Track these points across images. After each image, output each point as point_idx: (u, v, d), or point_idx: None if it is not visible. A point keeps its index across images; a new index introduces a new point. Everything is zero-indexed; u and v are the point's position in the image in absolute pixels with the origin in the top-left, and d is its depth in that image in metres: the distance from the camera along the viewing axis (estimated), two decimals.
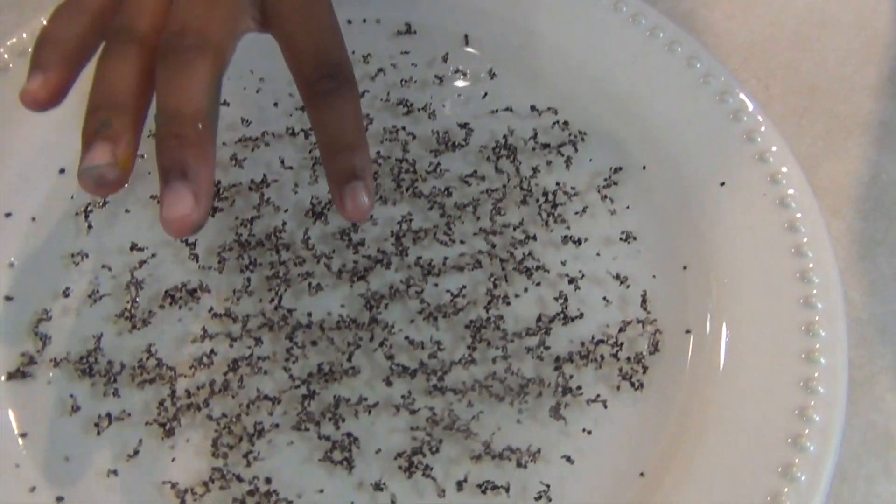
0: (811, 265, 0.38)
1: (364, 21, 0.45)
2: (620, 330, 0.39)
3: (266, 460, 0.37)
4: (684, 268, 0.40)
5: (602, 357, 0.39)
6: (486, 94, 0.44)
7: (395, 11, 0.45)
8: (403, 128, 0.44)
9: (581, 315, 0.40)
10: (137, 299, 0.40)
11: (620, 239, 0.41)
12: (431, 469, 0.37)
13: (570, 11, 0.44)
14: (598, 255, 0.41)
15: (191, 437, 0.38)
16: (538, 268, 0.41)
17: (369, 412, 0.38)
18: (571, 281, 0.40)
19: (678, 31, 0.43)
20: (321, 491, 0.37)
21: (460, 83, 0.45)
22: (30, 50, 0.43)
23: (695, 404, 0.37)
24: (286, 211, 0.42)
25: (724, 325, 0.38)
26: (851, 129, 0.44)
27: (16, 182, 0.42)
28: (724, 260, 0.39)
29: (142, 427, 0.38)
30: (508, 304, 0.40)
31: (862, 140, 0.44)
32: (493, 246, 0.41)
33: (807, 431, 0.35)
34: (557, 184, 0.42)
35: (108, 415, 0.38)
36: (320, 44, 0.34)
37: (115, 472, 0.37)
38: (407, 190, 0.42)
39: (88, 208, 0.42)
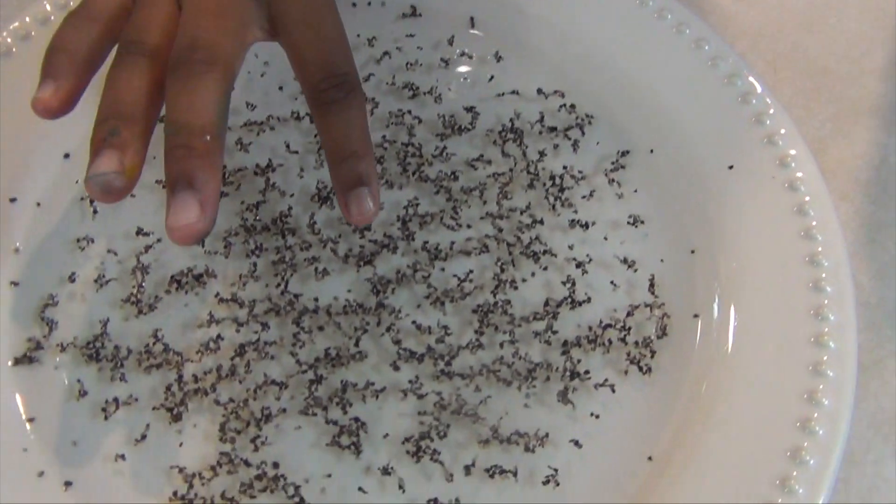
0: (820, 248, 0.38)
1: (369, 4, 0.45)
2: (628, 314, 0.39)
3: (274, 445, 0.37)
4: (692, 251, 0.40)
5: (610, 341, 0.39)
6: (492, 77, 0.44)
7: None
8: (409, 111, 0.43)
9: (589, 299, 0.39)
10: (144, 284, 0.40)
11: (628, 223, 0.41)
12: (439, 454, 0.37)
13: None
14: (605, 238, 0.41)
15: (198, 421, 0.38)
16: (545, 252, 0.40)
17: (377, 397, 0.38)
18: (579, 265, 0.40)
19: (686, 13, 0.43)
20: (329, 475, 0.37)
21: (466, 66, 0.44)
22: (32, 33, 0.43)
23: (703, 388, 0.37)
24: (292, 195, 0.42)
25: (732, 308, 0.38)
26: (860, 113, 0.44)
27: (20, 167, 0.41)
28: (733, 243, 0.39)
29: (149, 412, 0.38)
30: (516, 288, 0.40)
31: (871, 123, 0.44)
32: (500, 230, 0.41)
33: (815, 415, 0.35)
34: (564, 167, 0.42)
35: (116, 400, 0.38)
36: (327, 53, 0.35)
37: (122, 457, 0.37)
38: (413, 174, 0.42)
39: None
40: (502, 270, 0.40)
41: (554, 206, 0.41)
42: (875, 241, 0.41)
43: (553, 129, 0.43)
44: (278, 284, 0.40)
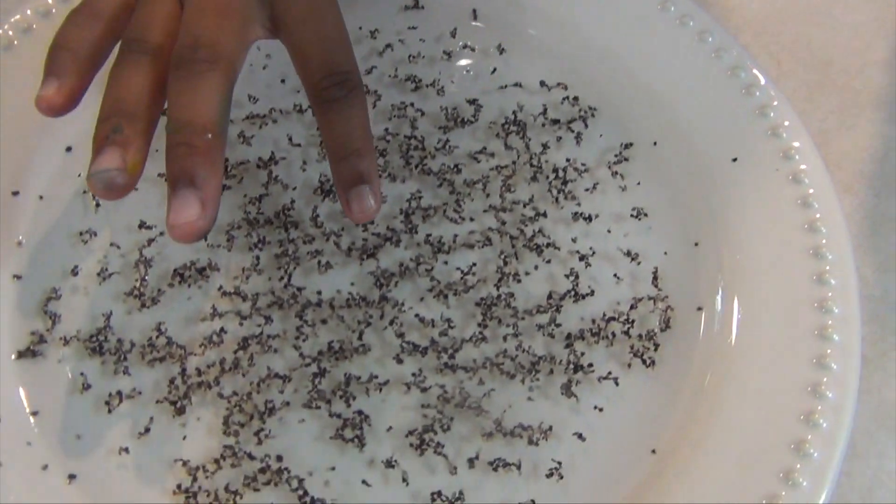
0: (824, 241, 0.38)
1: None
2: (632, 307, 0.39)
3: (277, 438, 0.37)
4: (696, 244, 0.40)
5: (613, 334, 0.39)
6: (494, 69, 0.44)
7: None
8: (412, 104, 0.43)
9: (592, 292, 0.39)
10: (146, 277, 0.40)
11: (631, 215, 0.41)
12: (443, 447, 0.37)
13: None
14: (608, 231, 0.41)
15: (202, 415, 0.38)
16: (549, 245, 0.40)
17: (380, 390, 0.38)
18: (582, 258, 0.40)
19: (690, 4, 0.43)
20: (332, 468, 0.37)
21: (469, 59, 0.44)
22: (34, 26, 0.43)
23: (706, 381, 0.37)
24: (295, 189, 0.42)
25: (735, 301, 0.38)
26: (864, 105, 0.44)
27: (22, 160, 0.41)
28: (736, 236, 0.39)
29: (153, 405, 0.38)
30: (519, 281, 0.40)
31: (875, 115, 0.44)
32: (504, 223, 0.41)
33: (819, 408, 0.35)
34: (568, 160, 0.42)
35: (119, 393, 0.38)
36: (329, 52, 0.35)
37: (126, 450, 0.37)
38: (416, 167, 0.42)
39: None
40: (505, 263, 0.40)
41: (557, 199, 0.41)
42: (879, 234, 0.41)
43: (556, 121, 0.43)
44: (281, 278, 0.40)
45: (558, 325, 0.39)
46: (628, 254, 0.40)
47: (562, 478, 0.36)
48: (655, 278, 0.40)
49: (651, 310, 0.39)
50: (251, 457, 0.37)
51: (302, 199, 0.42)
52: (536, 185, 0.42)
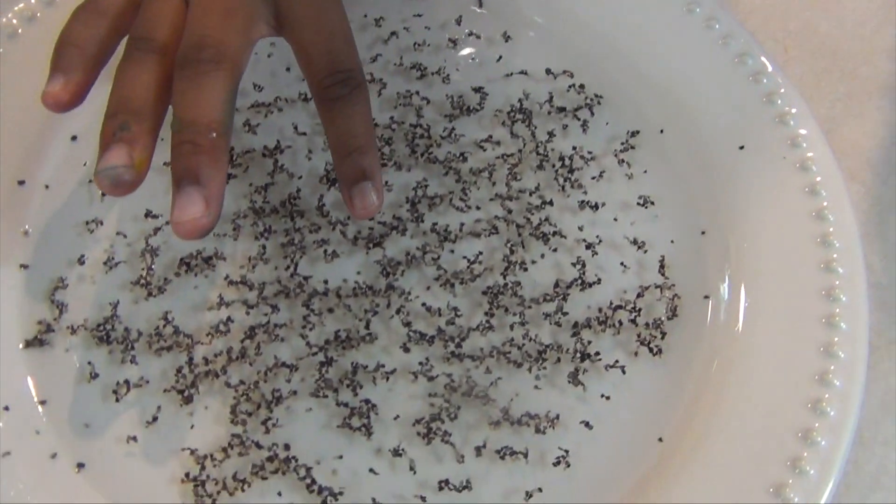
0: (831, 229, 0.38)
1: None
2: (638, 295, 0.39)
3: (284, 427, 0.37)
4: (703, 232, 0.40)
5: (620, 323, 0.39)
6: (500, 57, 0.44)
7: None
8: (417, 92, 0.43)
9: (599, 281, 0.39)
10: (153, 266, 0.40)
11: (638, 204, 0.41)
12: (450, 435, 0.37)
13: None
14: (615, 220, 0.41)
15: (209, 403, 0.38)
16: (555, 233, 0.40)
17: (387, 379, 0.38)
18: (589, 246, 0.40)
19: None
20: (340, 457, 0.37)
21: (474, 47, 0.44)
22: (38, 15, 0.43)
23: (713, 370, 0.37)
24: (300, 177, 0.42)
25: (742, 289, 0.38)
26: (871, 92, 0.44)
27: (28, 150, 0.41)
28: (743, 224, 0.39)
29: (160, 394, 0.38)
30: (525, 270, 0.40)
31: (882, 103, 0.43)
32: (510, 211, 0.41)
33: (827, 396, 0.35)
34: (574, 148, 0.42)
35: (127, 382, 0.38)
36: (333, 50, 0.36)
37: (134, 439, 0.37)
38: (422, 155, 0.42)
39: None
40: (512, 252, 0.40)
41: (563, 188, 0.41)
42: (886, 222, 0.41)
43: (562, 109, 0.42)
44: (287, 267, 0.40)
45: (565, 314, 0.39)
46: (635, 242, 0.40)
47: (569, 466, 0.36)
48: (662, 266, 0.39)
49: (658, 298, 0.39)
50: (259, 445, 0.37)
51: (308, 187, 0.41)
52: (542, 173, 0.41)
